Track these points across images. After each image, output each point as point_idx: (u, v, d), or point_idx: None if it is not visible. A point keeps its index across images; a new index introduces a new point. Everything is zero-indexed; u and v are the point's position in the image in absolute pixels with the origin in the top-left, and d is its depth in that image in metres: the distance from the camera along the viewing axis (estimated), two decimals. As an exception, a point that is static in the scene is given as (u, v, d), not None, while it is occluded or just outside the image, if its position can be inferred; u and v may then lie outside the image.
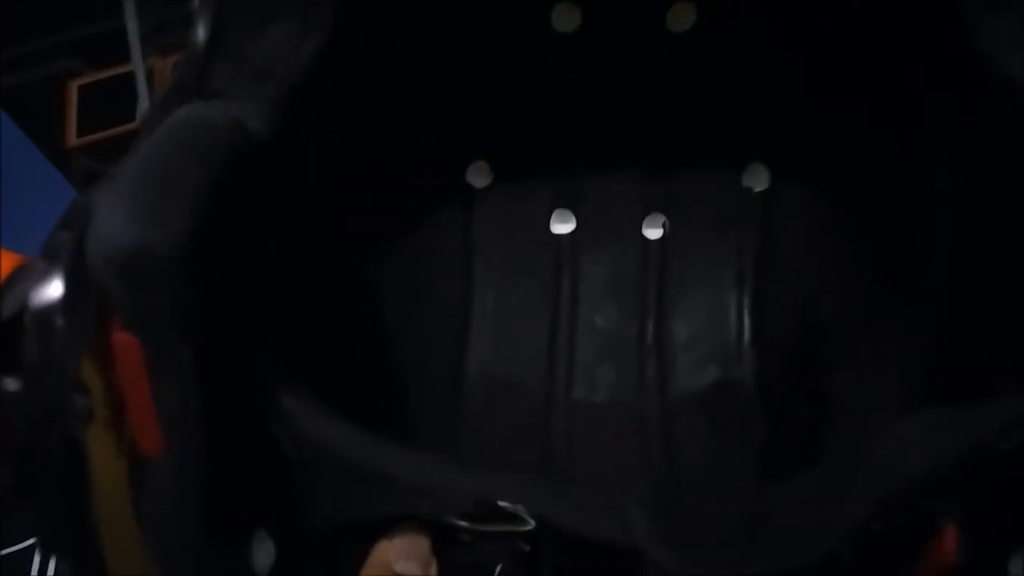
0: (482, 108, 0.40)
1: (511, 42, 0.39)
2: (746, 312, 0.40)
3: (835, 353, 0.37)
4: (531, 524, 0.24)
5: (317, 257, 0.36)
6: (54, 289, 0.27)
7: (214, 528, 0.25)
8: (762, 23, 0.37)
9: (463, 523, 0.24)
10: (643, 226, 0.41)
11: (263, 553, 0.26)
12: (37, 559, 0.69)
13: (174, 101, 0.28)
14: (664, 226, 0.40)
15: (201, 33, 0.29)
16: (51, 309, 0.27)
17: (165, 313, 0.23)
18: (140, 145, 0.26)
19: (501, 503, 0.24)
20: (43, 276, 0.27)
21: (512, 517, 0.24)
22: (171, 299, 0.23)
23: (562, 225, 0.41)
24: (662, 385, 0.39)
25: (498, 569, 0.25)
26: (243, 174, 0.26)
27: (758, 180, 0.40)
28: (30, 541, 0.62)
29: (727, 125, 0.39)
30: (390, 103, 0.37)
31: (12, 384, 0.27)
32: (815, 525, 0.24)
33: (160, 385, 0.24)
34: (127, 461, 0.26)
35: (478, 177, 0.40)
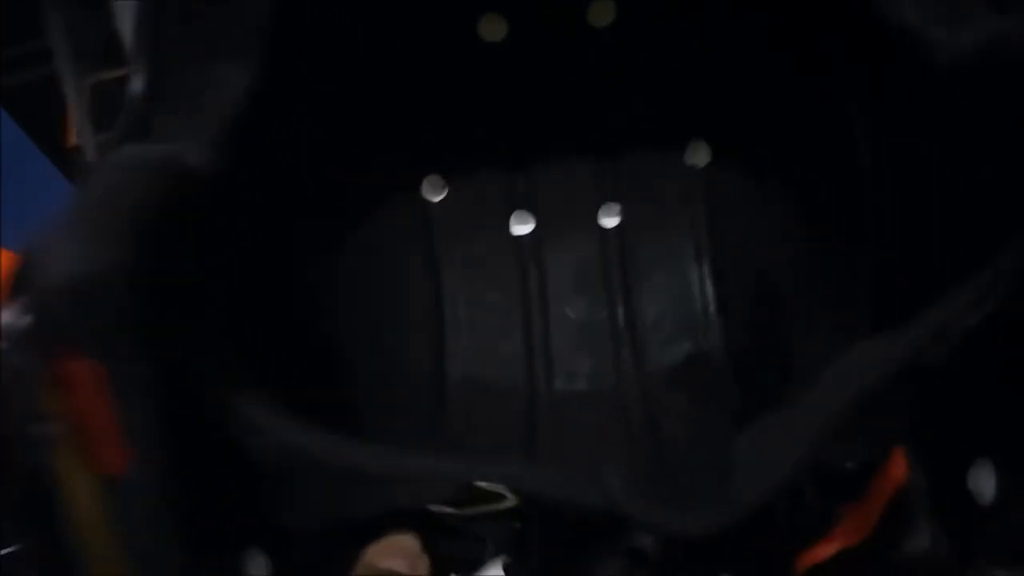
0: (425, 122, 0.41)
1: (442, 56, 0.39)
2: (708, 284, 0.41)
3: (792, 314, 0.38)
4: (512, 500, 0.25)
5: (286, 260, 0.36)
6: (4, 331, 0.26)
7: (197, 545, 0.26)
8: (681, 9, 0.38)
9: (447, 509, 0.25)
10: (599, 216, 0.42)
11: (256, 567, 0.27)
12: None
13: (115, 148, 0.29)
14: (620, 213, 0.42)
15: (138, 85, 0.29)
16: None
17: (120, 332, 0.24)
18: (80, 187, 0.27)
19: (479, 483, 0.25)
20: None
21: (493, 496, 0.25)
22: (123, 317, 0.24)
23: (521, 226, 0.42)
24: (638, 366, 0.41)
25: (488, 549, 0.26)
26: (185, 200, 0.27)
27: (700, 156, 0.41)
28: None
29: (663, 108, 0.40)
30: (341, 123, 0.38)
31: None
32: (770, 462, 0.25)
33: (122, 405, 0.24)
34: (99, 483, 0.26)
35: (433, 190, 0.42)
